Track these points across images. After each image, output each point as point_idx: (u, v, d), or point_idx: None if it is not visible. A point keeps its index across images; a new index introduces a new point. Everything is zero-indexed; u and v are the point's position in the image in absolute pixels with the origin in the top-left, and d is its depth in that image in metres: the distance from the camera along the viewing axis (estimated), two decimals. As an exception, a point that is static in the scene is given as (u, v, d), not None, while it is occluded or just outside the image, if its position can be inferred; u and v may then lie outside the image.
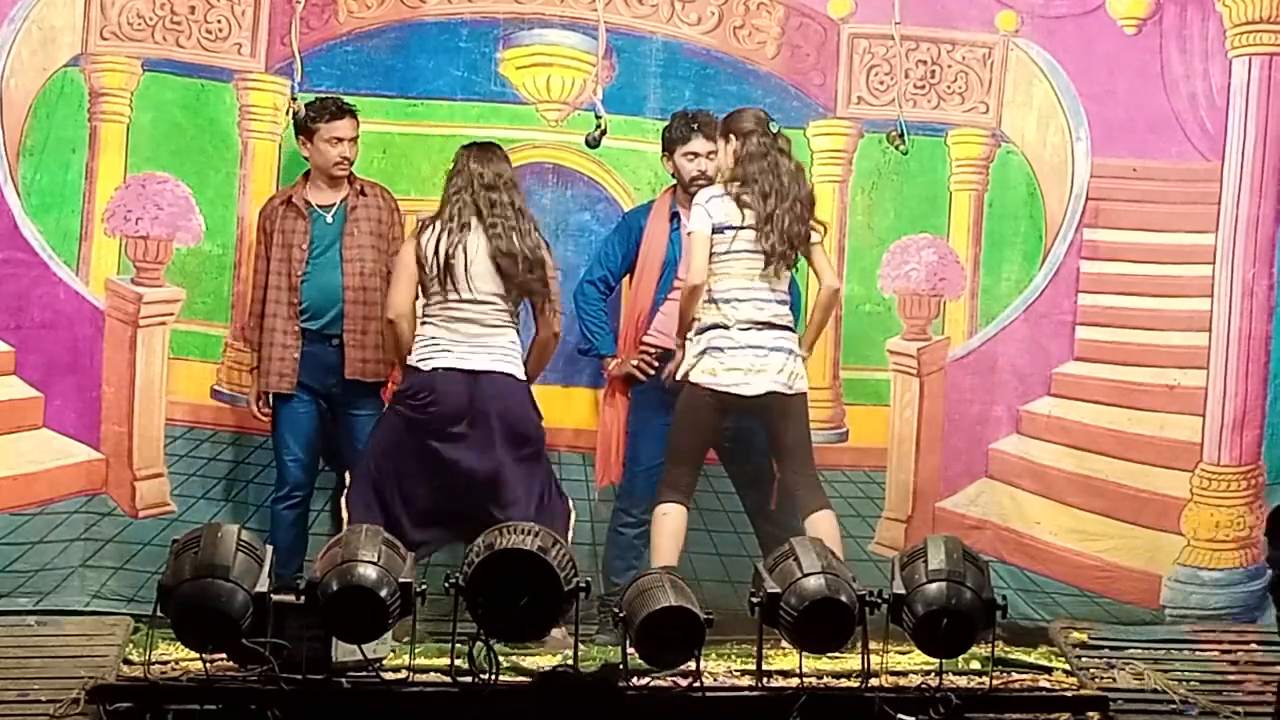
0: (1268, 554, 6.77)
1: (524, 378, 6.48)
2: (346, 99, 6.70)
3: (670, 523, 6.40)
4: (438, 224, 6.41)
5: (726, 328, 6.39)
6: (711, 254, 6.41)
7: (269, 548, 5.59)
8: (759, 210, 6.38)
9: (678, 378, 6.49)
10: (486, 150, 6.51)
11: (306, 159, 6.70)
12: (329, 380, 6.67)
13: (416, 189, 6.93)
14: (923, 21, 7.06)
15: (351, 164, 6.70)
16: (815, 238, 6.50)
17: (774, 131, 6.49)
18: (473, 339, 6.40)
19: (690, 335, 6.46)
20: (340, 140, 6.64)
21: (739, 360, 6.38)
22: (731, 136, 6.50)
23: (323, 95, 6.71)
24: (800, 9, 7.05)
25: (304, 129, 6.65)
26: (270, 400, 6.71)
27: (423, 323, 6.46)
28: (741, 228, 6.40)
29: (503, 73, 6.97)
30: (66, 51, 6.75)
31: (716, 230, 6.40)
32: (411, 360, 6.43)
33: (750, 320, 6.39)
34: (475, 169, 6.42)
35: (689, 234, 6.46)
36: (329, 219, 6.69)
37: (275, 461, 6.72)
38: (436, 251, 6.36)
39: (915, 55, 7.07)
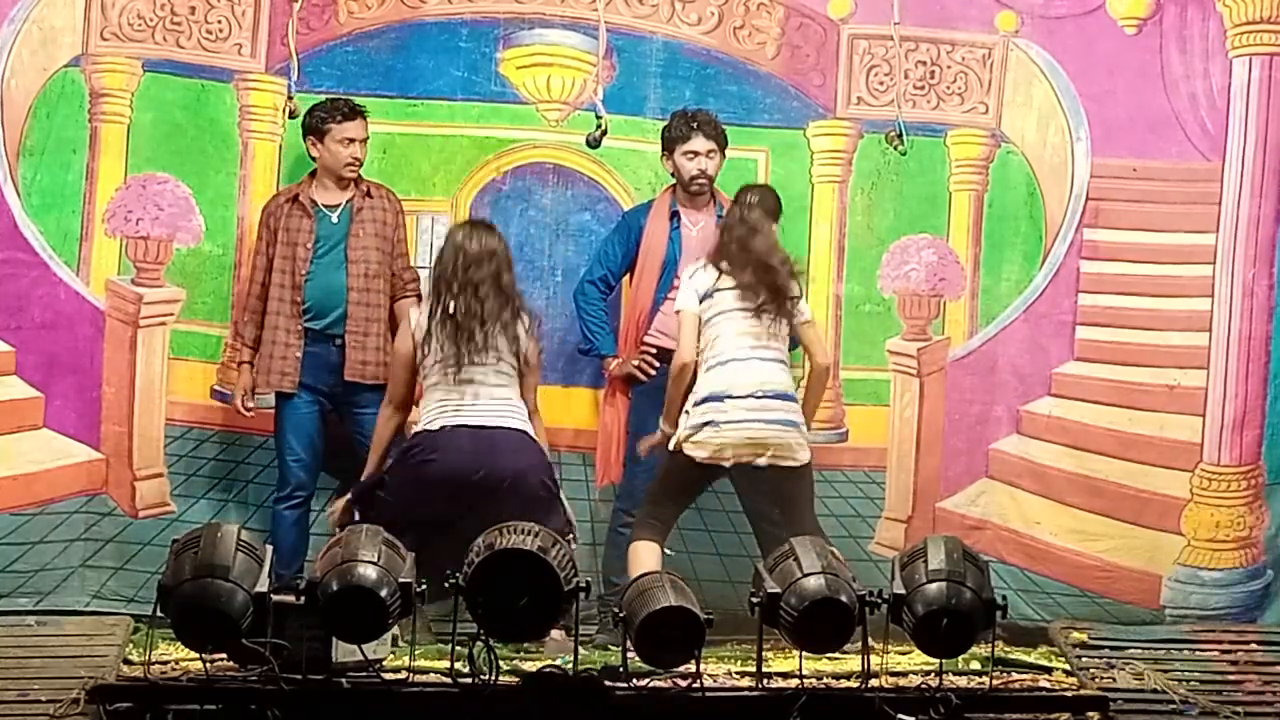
0: None
1: (535, 436, 6.31)
2: (353, 100, 6.70)
3: (646, 560, 6.36)
4: (427, 304, 6.31)
5: (722, 400, 6.37)
6: (705, 321, 6.44)
7: (269, 548, 5.58)
8: (739, 265, 6.42)
9: (670, 447, 6.46)
10: (476, 226, 6.41)
11: (315, 159, 6.69)
12: (332, 380, 6.66)
13: (417, 189, 6.93)
14: (922, 22, 7.06)
15: (361, 165, 6.70)
16: (805, 315, 6.53)
17: (750, 202, 6.51)
18: (476, 400, 6.24)
19: (688, 407, 6.43)
20: (352, 141, 6.64)
21: (737, 435, 6.36)
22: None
23: (331, 96, 6.71)
24: (800, 9, 7.05)
25: (315, 129, 6.65)
26: (255, 396, 6.70)
27: (425, 394, 6.32)
28: (726, 289, 6.43)
29: (503, 73, 6.97)
30: (67, 52, 6.75)
31: (705, 297, 6.45)
32: (419, 425, 6.28)
33: (749, 386, 6.37)
34: (462, 242, 6.29)
35: (676, 313, 6.52)
36: (334, 219, 6.69)
37: (277, 461, 6.71)
38: (426, 330, 6.26)
39: (915, 56, 7.07)
